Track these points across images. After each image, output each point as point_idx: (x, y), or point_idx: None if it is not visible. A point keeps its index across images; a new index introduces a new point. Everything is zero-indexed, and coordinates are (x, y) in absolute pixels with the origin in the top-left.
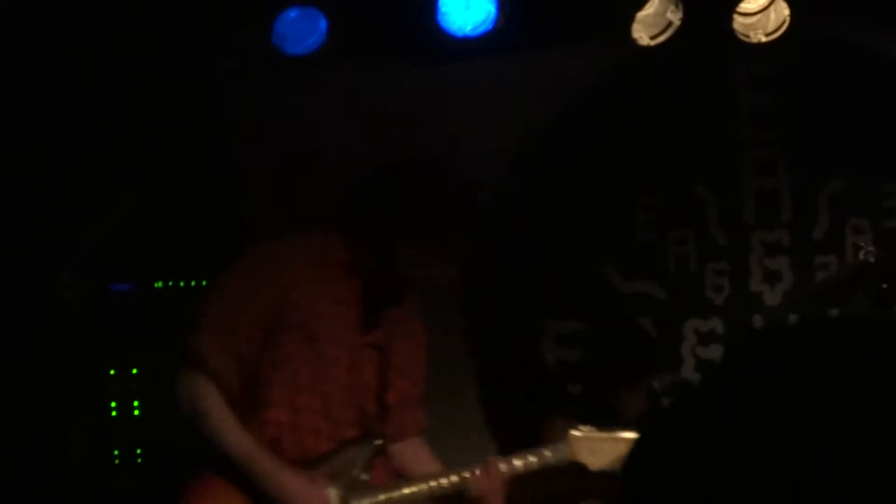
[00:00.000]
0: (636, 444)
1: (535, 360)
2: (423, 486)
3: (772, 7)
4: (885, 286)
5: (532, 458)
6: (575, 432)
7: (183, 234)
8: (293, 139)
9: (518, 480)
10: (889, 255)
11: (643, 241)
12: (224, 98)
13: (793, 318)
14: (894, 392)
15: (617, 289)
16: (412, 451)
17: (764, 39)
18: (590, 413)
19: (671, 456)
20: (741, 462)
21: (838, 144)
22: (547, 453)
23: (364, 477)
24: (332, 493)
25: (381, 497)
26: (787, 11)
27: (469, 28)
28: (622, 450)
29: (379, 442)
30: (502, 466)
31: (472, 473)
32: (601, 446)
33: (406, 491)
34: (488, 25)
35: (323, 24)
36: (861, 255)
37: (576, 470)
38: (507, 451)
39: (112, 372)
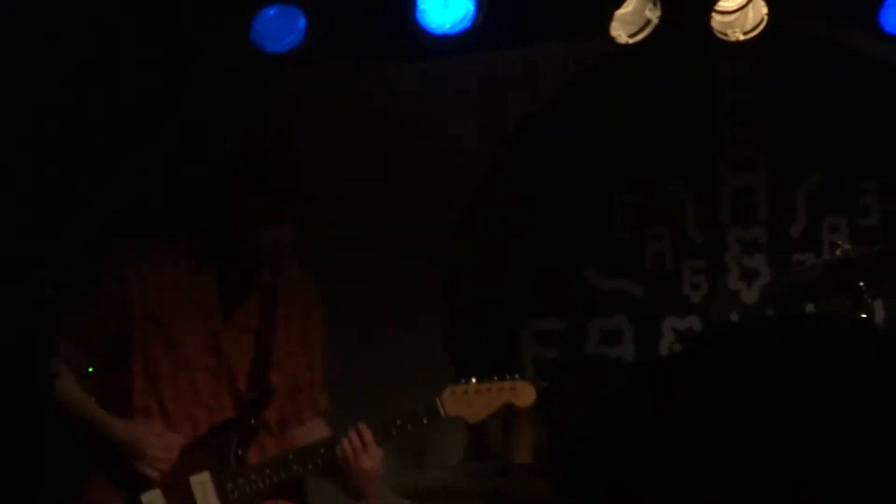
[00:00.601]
0: (580, 431)
1: (513, 357)
2: (299, 458)
3: (750, 5)
4: (862, 284)
5: (402, 422)
6: (449, 388)
7: (162, 232)
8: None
9: None
10: (866, 252)
11: (620, 239)
12: (203, 96)
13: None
14: (851, 387)
15: (595, 286)
16: (313, 436)
17: (742, 38)
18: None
19: (615, 442)
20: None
21: (815, 142)
22: (421, 415)
23: (240, 454)
24: (201, 479)
25: (254, 476)
26: (765, 10)
27: (448, 26)
28: (499, 400)
29: (255, 421)
30: (367, 429)
31: (343, 437)
32: (477, 399)
33: (282, 465)
34: (467, 23)
35: (302, 21)
36: (838, 252)
37: None
38: (478, 445)
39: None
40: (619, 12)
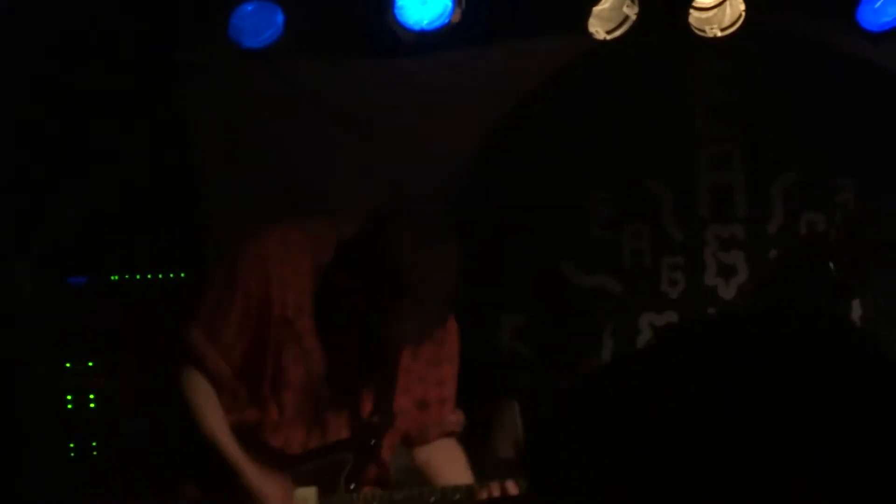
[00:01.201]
0: (544, 426)
1: (492, 354)
2: (414, 496)
3: (728, 2)
4: (831, 265)
5: None
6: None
7: (140, 227)
8: (251, 132)
9: None
10: (840, 235)
11: (598, 236)
12: (181, 90)
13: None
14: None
15: (573, 283)
16: (439, 456)
17: (720, 34)
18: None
19: (580, 439)
20: (651, 445)
21: (793, 139)
22: None
23: (351, 488)
24: (306, 493)
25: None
26: (742, 6)
27: (426, 22)
28: None
29: (372, 443)
30: (514, 490)
31: (485, 490)
32: None
33: (394, 499)
34: (445, 19)
35: (280, 17)
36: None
37: None
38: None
39: (68, 365)
40: (597, 9)
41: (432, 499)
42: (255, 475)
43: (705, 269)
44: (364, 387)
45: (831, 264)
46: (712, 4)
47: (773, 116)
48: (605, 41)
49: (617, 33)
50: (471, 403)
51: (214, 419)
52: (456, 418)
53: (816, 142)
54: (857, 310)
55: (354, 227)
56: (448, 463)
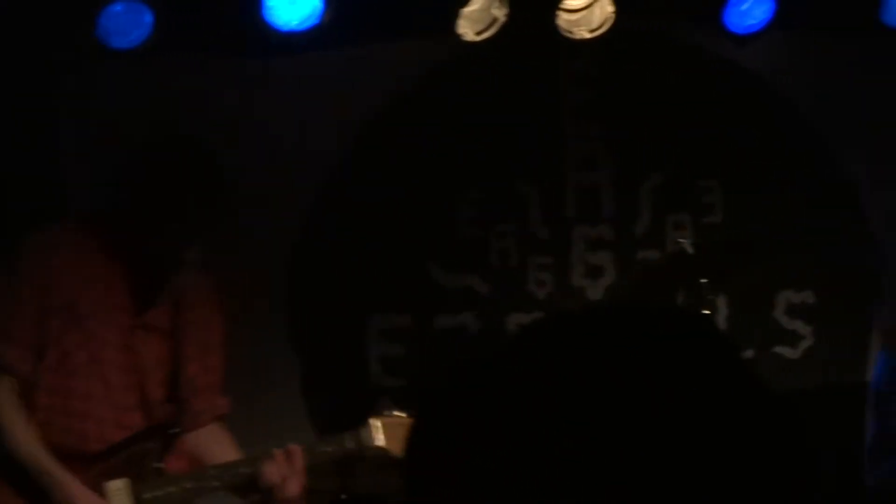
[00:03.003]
0: (415, 424)
1: (359, 355)
2: (218, 473)
3: (596, 4)
4: (703, 281)
5: (328, 448)
6: (376, 420)
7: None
8: (119, 132)
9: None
10: (708, 248)
11: (466, 236)
12: (49, 90)
13: None
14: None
15: (440, 283)
16: (208, 440)
17: (588, 36)
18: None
19: (449, 435)
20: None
21: (660, 141)
22: (348, 441)
23: (158, 465)
24: (118, 486)
25: (172, 488)
26: (611, 8)
27: (295, 22)
28: None
29: (176, 430)
30: (299, 453)
31: (270, 459)
32: (406, 432)
33: (200, 479)
34: (314, 20)
35: (148, 17)
36: (678, 247)
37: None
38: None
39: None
40: (467, 10)
41: (210, 471)
42: (70, 483)
43: (573, 269)
44: (150, 365)
45: (703, 280)
46: (581, 6)
47: (640, 118)
48: (474, 42)
49: (486, 34)
50: (341, 406)
51: (19, 424)
52: (223, 402)
53: (684, 143)
54: (722, 307)
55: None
56: (218, 444)
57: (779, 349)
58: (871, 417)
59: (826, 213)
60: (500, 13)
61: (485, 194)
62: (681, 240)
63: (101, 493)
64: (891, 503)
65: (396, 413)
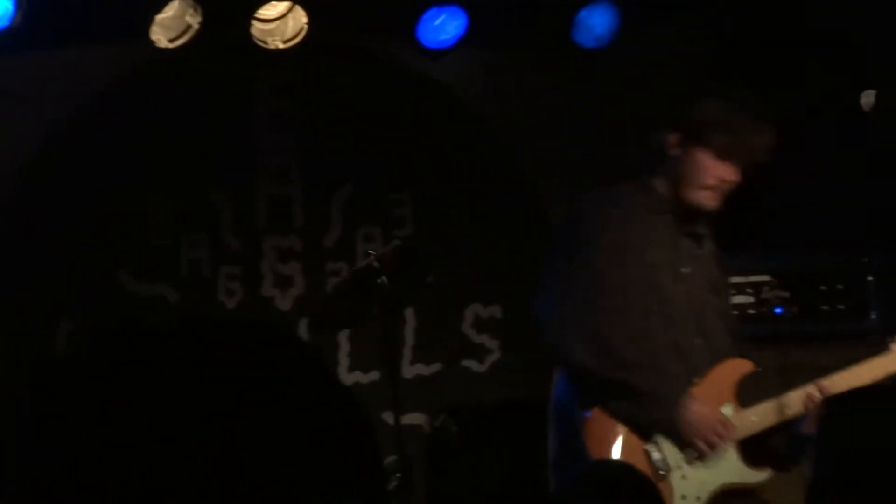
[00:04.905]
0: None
1: (48, 359)
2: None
3: (290, 14)
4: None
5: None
6: None
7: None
8: None
9: None
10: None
11: (157, 245)
12: None
13: (304, 323)
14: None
15: (129, 291)
16: None
17: (282, 46)
18: None
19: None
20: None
21: (351, 153)
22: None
23: None
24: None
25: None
26: (304, 20)
27: None
28: None
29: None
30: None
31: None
32: None
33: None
34: (5, 22)
35: None
36: (371, 261)
37: None
38: None
39: None
40: (160, 17)
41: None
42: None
43: (262, 279)
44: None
45: (384, 279)
46: (275, 17)
47: (333, 129)
48: (168, 49)
49: (180, 42)
50: None
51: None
52: None
53: (376, 156)
54: (410, 320)
55: None
56: None
57: (466, 363)
58: (553, 429)
59: (514, 228)
60: (194, 21)
61: (177, 203)
62: (371, 252)
63: None
64: None
65: None
